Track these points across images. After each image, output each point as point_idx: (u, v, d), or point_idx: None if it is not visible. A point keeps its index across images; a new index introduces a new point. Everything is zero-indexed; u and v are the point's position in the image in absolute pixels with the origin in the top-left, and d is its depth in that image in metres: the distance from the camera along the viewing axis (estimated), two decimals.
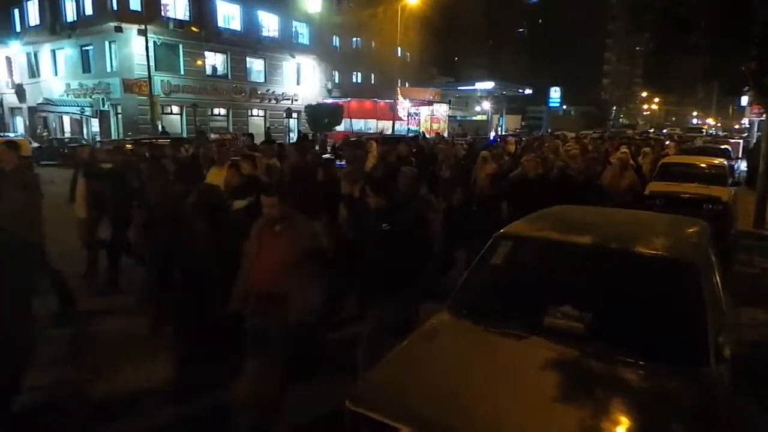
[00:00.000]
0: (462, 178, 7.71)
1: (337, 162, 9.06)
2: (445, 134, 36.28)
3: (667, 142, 19.52)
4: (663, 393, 2.52)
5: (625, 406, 2.46)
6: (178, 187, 5.25)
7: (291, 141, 22.15)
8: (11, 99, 35.26)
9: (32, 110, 33.08)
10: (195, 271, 4.08)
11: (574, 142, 15.32)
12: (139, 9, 25.39)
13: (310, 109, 32.59)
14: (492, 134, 35.75)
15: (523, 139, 21.11)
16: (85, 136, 29.93)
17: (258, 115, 35.65)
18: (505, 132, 40.94)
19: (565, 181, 6.81)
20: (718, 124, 76.80)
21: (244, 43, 33.23)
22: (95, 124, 30.84)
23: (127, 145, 14.24)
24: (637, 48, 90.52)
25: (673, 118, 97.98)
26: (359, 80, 44.75)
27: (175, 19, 29.58)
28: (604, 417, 2.39)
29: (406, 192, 4.69)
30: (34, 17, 32.59)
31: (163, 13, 28.65)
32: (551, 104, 68.79)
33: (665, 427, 2.33)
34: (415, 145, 12.10)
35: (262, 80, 35.50)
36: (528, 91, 53.25)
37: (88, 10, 29.10)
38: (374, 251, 3.88)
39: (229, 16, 32.87)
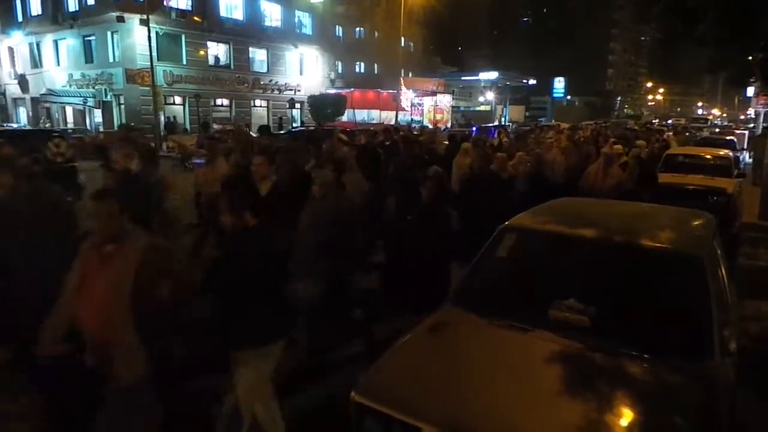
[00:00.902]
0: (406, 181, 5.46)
1: (195, 161, 7.67)
2: (448, 125, 36.21)
3: (670, 133, 19.35)
4: (668, 387, 2.52)
5: (630, 399, 2.46)
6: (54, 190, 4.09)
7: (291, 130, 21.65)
8: (14, 89, 35.19)
9: (35, 101, 33.01)
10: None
11: (566, 135, 14.86)
12: None
13: (313, 99, 32.50)
14: (493, 124, 35.51)
15: (509, 129, 20.76)
16: (88, 127, 29.94)
17: (261, 106, 35.55)
18: (509, 122, 40.62)
19: (535, 180, 6.35)
20: (724, 115, 76.45)
21: (247, 33, 33.03)
22: (98, 115, 30.81)
23: None
24: (643, 38, 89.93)
25: (678, 109, 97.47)
26: (362, 70, 44.46)
27: (177, 9, 29.41)
28: (608, 411, 2.39)
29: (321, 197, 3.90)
30: (35, 7, 32.41)
31: (165, 3, 28.41)
32: (555, 95, 68.63)
33: (670, 420, 2.33)
34: (389, 137, 10.64)
35: (265, 70, 35.34)
36: (532, 82, 52.92)
37: (90, 0, 28.97)
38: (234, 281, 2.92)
39: (231, 5, 32.66)
